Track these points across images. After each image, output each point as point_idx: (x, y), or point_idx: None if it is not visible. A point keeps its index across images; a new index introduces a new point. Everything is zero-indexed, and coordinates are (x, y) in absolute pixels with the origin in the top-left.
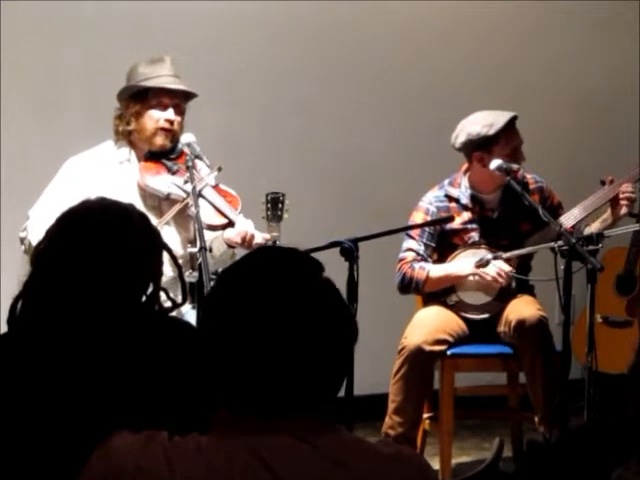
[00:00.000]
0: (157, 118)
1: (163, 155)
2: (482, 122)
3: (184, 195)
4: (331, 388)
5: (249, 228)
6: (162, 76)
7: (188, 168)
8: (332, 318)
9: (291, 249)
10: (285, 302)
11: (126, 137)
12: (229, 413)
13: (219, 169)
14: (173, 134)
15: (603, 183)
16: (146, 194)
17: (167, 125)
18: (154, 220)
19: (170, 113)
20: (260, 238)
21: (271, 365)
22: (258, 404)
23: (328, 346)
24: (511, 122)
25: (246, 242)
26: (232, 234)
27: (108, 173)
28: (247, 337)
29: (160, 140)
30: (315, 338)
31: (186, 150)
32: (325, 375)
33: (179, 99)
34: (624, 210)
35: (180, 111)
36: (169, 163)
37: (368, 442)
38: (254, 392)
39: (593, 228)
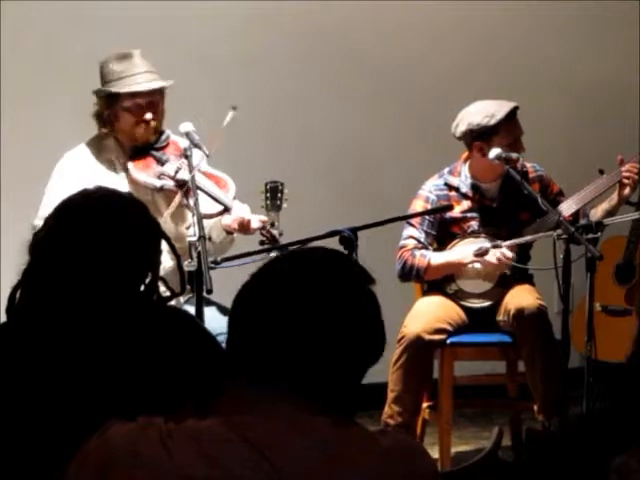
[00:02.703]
0: (133, 121)
1: (150, 147)
2: (483, 112)
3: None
4: (340, 385)
5: (245, 214)
6: (133, 75)
7: (187, 157)
8: (362, 327)
9: (350, 258)
10: (319, 298)
11: (109, 134)
12: (242, 386)
13: (234, 108)
14: (155, 127)
15: (601, 172)
16: (138, 188)
17: (144, 125)
18: None
19: (145, 114)
20: (256, 222)
21: (289, 347)
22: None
23: (348, 351)
24: (512, 113)
25: (244, 228)
26: (229, 220)
27: (99, 167)
28: (275, 319)
29: (142, 137)
30: (339, 339)
31: (178, 142)
32: (336, 372)
33: (153, 95)
34: (627, 191)
35: (155, 105)
36: (157, 154)
37: (369, 432)
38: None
39: (599, 210)
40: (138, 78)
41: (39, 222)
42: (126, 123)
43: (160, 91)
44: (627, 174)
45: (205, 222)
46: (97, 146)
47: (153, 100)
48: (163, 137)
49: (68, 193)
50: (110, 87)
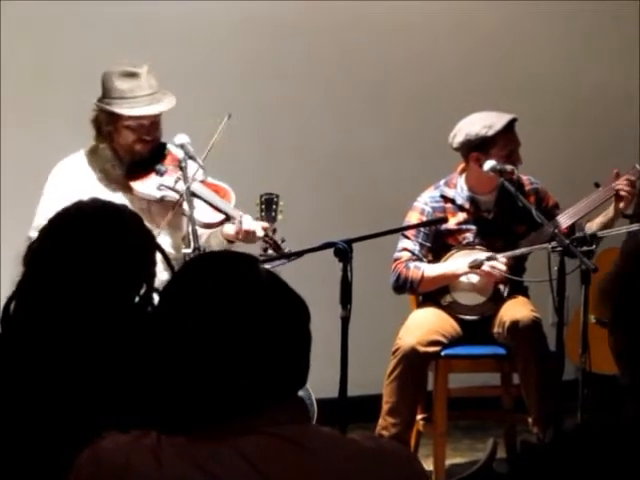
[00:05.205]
0: (132, 140)
1: (150, 160)
2: (481, 123)
3: (177, 196)
4: (298, 375)
5: (252, 226)
6: (138, 97)
7: (182, 169)
8: (283, 305)
9: (223, 251)
10: (234, 301)
11: (106, 144)
12: (200, 419)
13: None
14: (153, 143)
15: (597, 185)
16: (134, 197)
17: (143, 142)
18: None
19: (146, 134)
20: (260, 231)
21: (236, 365)
22: (227, 407)
23: (286, 333)
24: (510, 124)
25: (248, 237)
26: (232, 231)
27: (94, 177)
28: (208, 344)
29: (140, 153)
30: (271, 328)
31: (175, 152)
32: (289, 363)
33: (156, 116)
34: (623, 204)
35: (157, 125)
36: (157, 165)
37: (349, 437)
38: (223, 395)
39: (595, 223)
40: (143, 100)
41: (34, 233)
42: (126, 140)
43: None
44: (623, 187)
45: (205, 230)
46: (94, 155)
47: (155, 120)
48: (162, 149)
49: (59, 205)
50: (113, 106)
